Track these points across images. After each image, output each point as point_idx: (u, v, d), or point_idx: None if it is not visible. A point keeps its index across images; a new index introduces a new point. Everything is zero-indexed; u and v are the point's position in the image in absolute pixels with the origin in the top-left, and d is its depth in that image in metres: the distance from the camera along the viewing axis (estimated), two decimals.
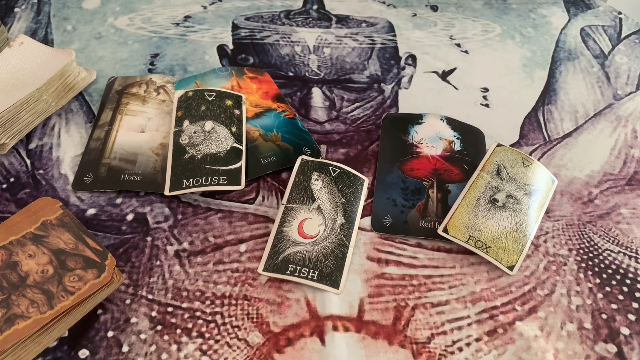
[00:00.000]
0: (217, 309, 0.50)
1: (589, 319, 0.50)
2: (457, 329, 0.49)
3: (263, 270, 0.51)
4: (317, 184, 0.56)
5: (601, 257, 0.55)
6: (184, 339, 0.48)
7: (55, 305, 0.44)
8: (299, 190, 0.55)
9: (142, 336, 0.48)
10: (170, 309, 0.49)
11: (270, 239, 0.53)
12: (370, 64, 0.76)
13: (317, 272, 0.51)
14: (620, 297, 0.52)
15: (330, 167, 0.57)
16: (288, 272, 0.51)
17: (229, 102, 0.64)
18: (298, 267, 0.51)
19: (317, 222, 0.54)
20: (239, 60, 0.75)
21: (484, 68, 0.76)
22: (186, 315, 0.49)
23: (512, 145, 0.65)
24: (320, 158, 0.62)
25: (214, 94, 0.64)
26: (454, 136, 0.64)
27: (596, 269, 0.54)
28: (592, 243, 0.56)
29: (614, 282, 0.53)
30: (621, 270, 0.54)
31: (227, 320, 0.49)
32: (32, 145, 0.63)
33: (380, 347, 0.48)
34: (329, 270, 0.51)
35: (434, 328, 0.49)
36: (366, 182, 0.58)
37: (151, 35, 0.78)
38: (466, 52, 0.79)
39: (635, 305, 0.51)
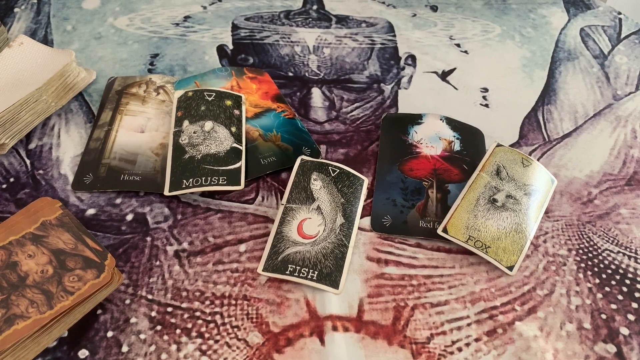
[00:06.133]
0: (217, 309, 0.50)
1: (589, 319, 0.50)
2: (456, 329, 0.49)
3: (263, 270, 0.51)
4: (316, 184, 0.56)
5: (601, 257, 0.55)
6: (184, 339, 0.48)
7: (54, 305, 0.44)
8: (298, 191, 0.55)
9: (142, 336, 0.48)
10: (169, 309, 0.49)
11: (270, 239, 0.53)
12: (370, 64, 0.76)
13: (316, 272, 0.51)
14: (620, 297, 0.52)
15: (329, 167, 0.57)
16: (287, 272, 0.51)
17: (228, 102, 0.64)
18: (298, 267, 0.51)
19: (317, 222, 0.54)
20: (239, 60, 0.75)
21: (484, 68, 0.76)
22: (186, 316, 0.49)
23: (511, 146, 0.65)
24: (319, 158, 0.62)
25: (214, 94, 0.64)
26: (454, 136, 0.64)
27: (595, 269, 0.54)
28: (591, 243, 0.56)
29: (613, 282, 0.53)
30: (620, 270, 0.54)
31: (226, 320, 0.49)
32: (31, 146, 0.63)
33: (379, 347, 0.48)
34: (329, 270, 0.51)
35: (433, 328, 0.49)
36: (366, 182, 0.58)
37: (151, 36, 0.78)
38: (466, 52, 0.79)
39: (634, 305, 0.51)
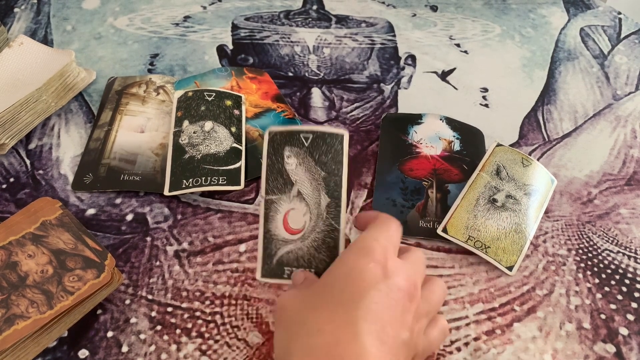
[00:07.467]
0: (217, 309, 0.50)
1: (588, 319, 0.50)
2: (455, 329, 0.49)
3: (262, 277, 0.49)
4: (290, 162, 0.48)
5: (600, 257, 0.55)
6: (184, 339, 0.48)
7: (54, 305, 0.44)
8: (274, 177, 0.49)
9: (142, 336, 0.48)
10: (169, 309, 0.50)
11: (260, 241, 0.49)
12: (369, 64, 0.76)
13: (313, 270, 0.50)
14: (619, 297, 0.52)
15: (301, 135, 0.48)
16: (285, 275, 0.48)
17: (228, 102, 0.64)
18: (293, 269, 0.49)
19: (302, 212, 0.48)
20: (239, 60, 0.75)
21: (484, 68, 0.76)
22: (186, 316, 0.49)
23: (511, 145, 0.65)
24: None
25: (214, 94, 0.64)
26: (454, 136, 0.64)
27: (595, 269, 0.54)
28: (591, 243, 0.56)
29: (612, 282, 0.53)
30: (620, 270, 0.54)
31: (226, 320, 0.49)
32: (31, 146, 0.63)
33: None
34: (325, 264, 0.48)
35: None
36: (346, 136, 0.48)
37: (151, 36, 0.78)
38: (466, 52, 0.79)
39: (634, 305, 0.51)
